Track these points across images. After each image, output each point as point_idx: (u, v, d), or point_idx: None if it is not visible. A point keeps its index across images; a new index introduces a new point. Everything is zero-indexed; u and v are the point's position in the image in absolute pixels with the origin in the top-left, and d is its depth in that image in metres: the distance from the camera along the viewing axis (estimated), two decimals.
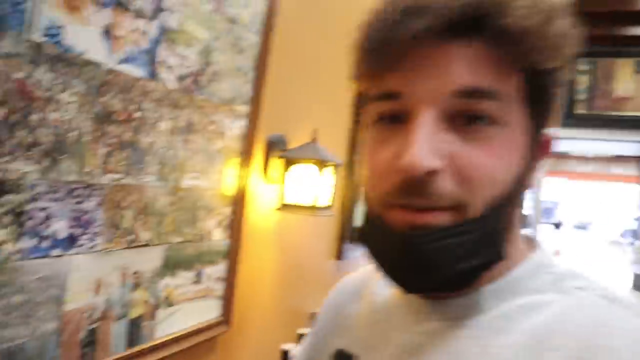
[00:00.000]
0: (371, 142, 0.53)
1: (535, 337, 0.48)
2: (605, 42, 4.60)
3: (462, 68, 0.47)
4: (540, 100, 0.51)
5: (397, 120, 0.50)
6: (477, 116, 0.48)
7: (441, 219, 0.48)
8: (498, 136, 0.48)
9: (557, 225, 15.60)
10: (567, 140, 6.19)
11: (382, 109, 0.51)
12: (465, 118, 0.48)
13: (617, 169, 12.00)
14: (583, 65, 4.62)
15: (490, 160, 0.47)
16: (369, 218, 0.54)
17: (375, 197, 0.52)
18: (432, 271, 0.48)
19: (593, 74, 4.62)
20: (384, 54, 0.49)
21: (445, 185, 0.47)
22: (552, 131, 0.55)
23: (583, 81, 4.60)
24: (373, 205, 0.53)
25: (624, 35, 4.52)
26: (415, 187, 0.47)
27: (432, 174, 0.46)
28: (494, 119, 0.48)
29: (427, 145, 0.46)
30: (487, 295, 0.53)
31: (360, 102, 0.52)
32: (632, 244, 11.18)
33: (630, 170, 10.39)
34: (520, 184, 0.51)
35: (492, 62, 0.47)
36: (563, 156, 9.99)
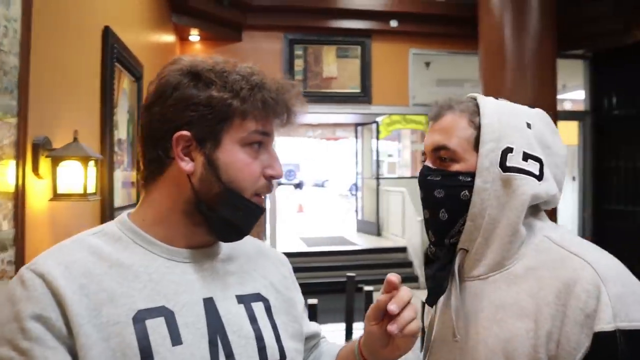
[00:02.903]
0: (242, 156, 0.83)
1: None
2: (313, 32, 5.54)
3: None
4: None
5: (260, 146, 0.85)
6: None
7: None
8: None
9: (299, 185, 17.47)
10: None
11: (258, 139, 0.84)
12: None
13: (340, 133, 14.09)
14: (298, 51, 5.50)
15: None
16: (238, 199, 0.83)
17: (246, 188, 0.84)
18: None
19: (305, 59, 5.54)
20: (276, 113, 0.85)
21: None
22: None
23: (299, 64, 5.49)
24: (242, 192, 0.83)
25: (327, 26, 5.52)
26: (273, 185, 0.88)
27: None
28: None
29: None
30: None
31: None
32: (354, 195, 13.42)
33: (349, 132, 12.33)
34: None
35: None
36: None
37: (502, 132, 0.96)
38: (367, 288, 3.65)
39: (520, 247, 0.95)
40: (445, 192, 0.98)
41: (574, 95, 8.13)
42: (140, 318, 0.76)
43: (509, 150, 0.95)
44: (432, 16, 5.68)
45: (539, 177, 0.94)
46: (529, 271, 0.93)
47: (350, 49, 5.64)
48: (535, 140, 0.97)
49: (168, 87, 0.82)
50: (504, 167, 0.94)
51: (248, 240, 0.98)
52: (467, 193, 0.96)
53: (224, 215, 0.84)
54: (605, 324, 0.81)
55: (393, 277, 0.86)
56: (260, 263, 0.97)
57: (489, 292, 0.97)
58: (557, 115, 4.64)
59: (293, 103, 0.86)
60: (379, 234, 10.76)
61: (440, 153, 1.00)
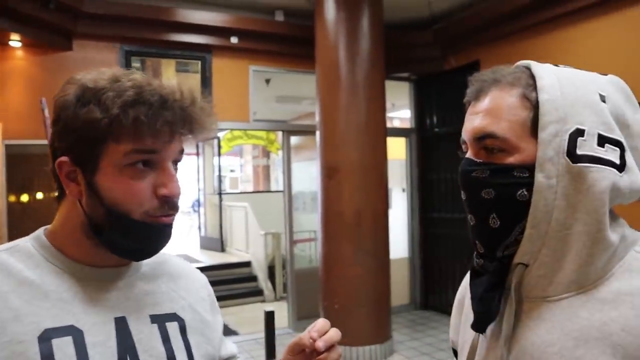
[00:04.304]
0: (122, 179, 0.78)
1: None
2: (151, 44, 5.38)
3: (179, 143, 0.82)
4: None
5: (147, 165, 0.79)
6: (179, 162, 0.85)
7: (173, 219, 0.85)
8: None
9: None
10: None
11: (139, 158, 0.78)
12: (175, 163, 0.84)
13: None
14: (135, 64, 5.28)
15: None
16: (125, 222, 0.79)
17: (132, 210, 0.79)
18: (164, 245, 0.86)
19: (143, 72, 5.33)
20: (154, 129, 0.77)
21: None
22: None
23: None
24: (129, 215, 0.79)
25: (167, 39, 5.39)
26: (173, 203, 0.82)
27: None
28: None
29: (177, 181, 0.83)
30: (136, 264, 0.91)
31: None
32: (197, 211, 13.20)
33: (190, 148, 12.14)
34: None
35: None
36: None
37: (568, 110, 0.72)
38: None
39: (608, 262, 0.74)
40: (496, 193, 0.76)
41: (402, 113, 8.87)
42: (46, 337, 0.75)
43: (578, 133, 0.71)
44: (272, 35, 5.82)
45: (620, 167, 0.72)
46: (621, 297, 0.71)
47: (190, 64, 5.56)
48: (612, 118, 0.73)
49: (60, 110, 0.80)
50: (573, 156, 0.72)
51: (171, 259, 1.00)
52: (526, 192, 0.74)
53: (112, 237, 0.81)
54: None
55: (324, 321, 0.84)
56: (180, 284, 0.97)
57: (562, 319, 0.75)
58: (387, 132, 5.02)
59: (179, 117, 0.79)
60: (223, 249, 10.68)
61: (485, 142, 0.77)
